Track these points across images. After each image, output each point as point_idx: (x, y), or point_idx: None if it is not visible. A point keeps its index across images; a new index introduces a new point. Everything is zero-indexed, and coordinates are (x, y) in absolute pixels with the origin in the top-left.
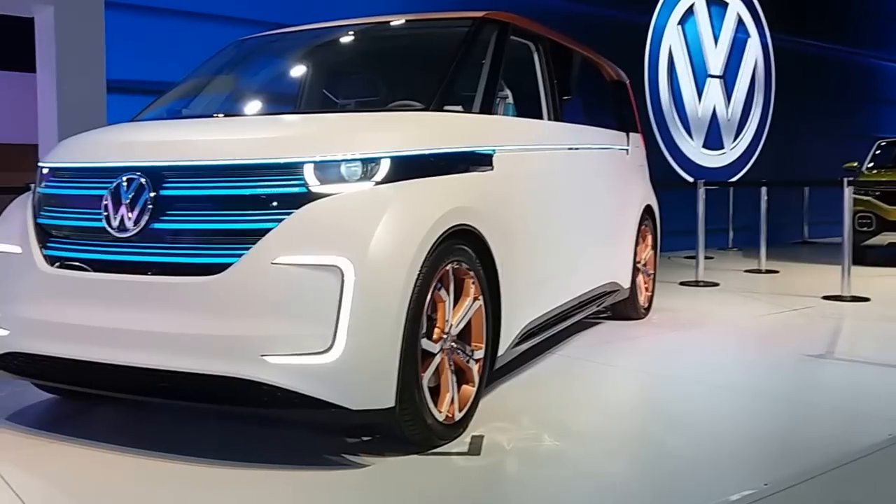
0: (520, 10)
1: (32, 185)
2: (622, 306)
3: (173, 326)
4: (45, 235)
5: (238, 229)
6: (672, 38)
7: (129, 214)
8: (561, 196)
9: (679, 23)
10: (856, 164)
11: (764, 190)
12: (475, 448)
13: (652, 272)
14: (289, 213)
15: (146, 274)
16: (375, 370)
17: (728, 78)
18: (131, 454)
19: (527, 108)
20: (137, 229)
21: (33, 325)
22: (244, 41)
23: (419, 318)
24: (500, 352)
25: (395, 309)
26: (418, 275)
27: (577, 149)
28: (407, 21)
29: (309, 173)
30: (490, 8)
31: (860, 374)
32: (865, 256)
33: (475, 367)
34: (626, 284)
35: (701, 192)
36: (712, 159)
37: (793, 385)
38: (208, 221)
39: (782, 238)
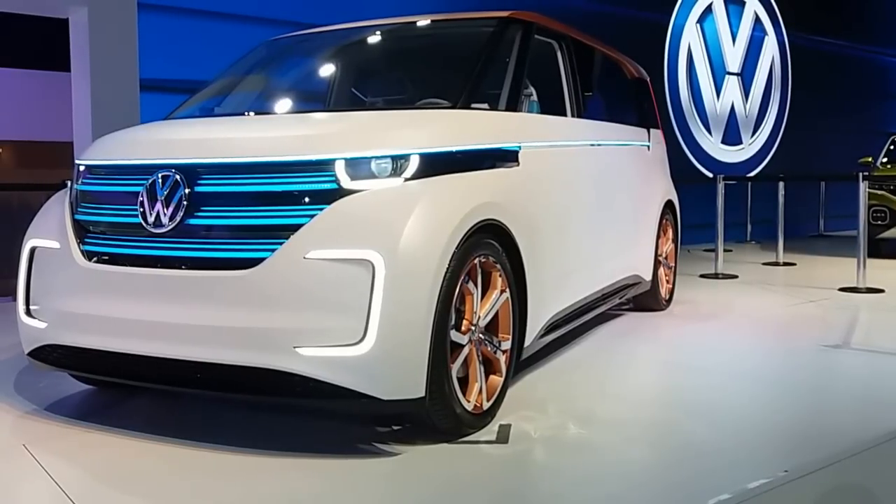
0: (543, 9)
1: (69, 182)
2: (644, 298)
3: (208, 319)
4: (82, 231)
5: (271, 224)
6: (691, 37)
7: (165, 210)
8: (584, 191)
9: (698, 21)
10: (870, 158)
11: (781, 184)
12: (503, 436)
13: (673, 265)
14: (321, 209)
15: (181, 268)
16: (406, 361)
17: (746, 75)
18: (166, 443)
19: (551, 105)
20: (173, 225)
21: (71, 318)
22: (274, 41)
23: (448, 310)
24: (527, 343)
25: (425, 301)
26: (447, 268)
27: (599, 145)
28: (433, 21)
29: (340, 170)
30: (514, 8)
31: (876, 363)
32: (880, 249)
33: (502, 358)
34: (648, 277)
35: (720, 186)
36: (731, 155)
37: (811, 374)
38: (242, 217)
39: (799, 231)
